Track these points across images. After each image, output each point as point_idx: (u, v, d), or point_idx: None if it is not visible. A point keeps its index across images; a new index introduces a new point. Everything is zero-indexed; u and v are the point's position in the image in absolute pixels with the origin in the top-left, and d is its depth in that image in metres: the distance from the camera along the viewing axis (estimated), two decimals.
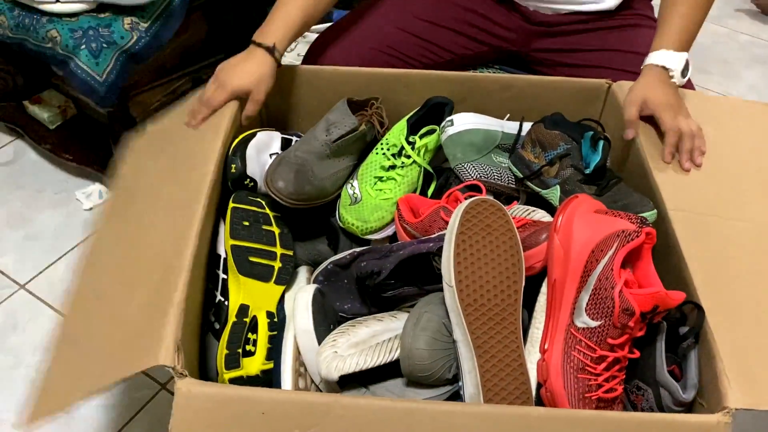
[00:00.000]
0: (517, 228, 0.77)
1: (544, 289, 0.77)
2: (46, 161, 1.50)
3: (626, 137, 0.93)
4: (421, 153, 0.97)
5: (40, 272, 1.27)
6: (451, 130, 0.95)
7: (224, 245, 0.87)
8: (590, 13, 1.13)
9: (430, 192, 0.99)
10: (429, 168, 0.98)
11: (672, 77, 0.96)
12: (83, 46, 1.13)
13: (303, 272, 0.92)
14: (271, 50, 0.96)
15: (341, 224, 0.95)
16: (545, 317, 0.74)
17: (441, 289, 0.75)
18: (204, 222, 0.80)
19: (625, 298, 0.68)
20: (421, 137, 0.98)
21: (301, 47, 1.57)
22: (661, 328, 0.71)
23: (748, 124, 1.00)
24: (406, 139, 0.98)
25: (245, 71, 0.95)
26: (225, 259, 0.87)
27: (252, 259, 0.86)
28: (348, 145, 0.96)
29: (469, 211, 0.73)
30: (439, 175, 1.00)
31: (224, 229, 0.88)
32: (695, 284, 0.73)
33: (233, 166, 0.91)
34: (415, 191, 0.98)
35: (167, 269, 0.75)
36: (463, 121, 0.95)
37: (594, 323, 0.70)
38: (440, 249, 0.79)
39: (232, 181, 0.92)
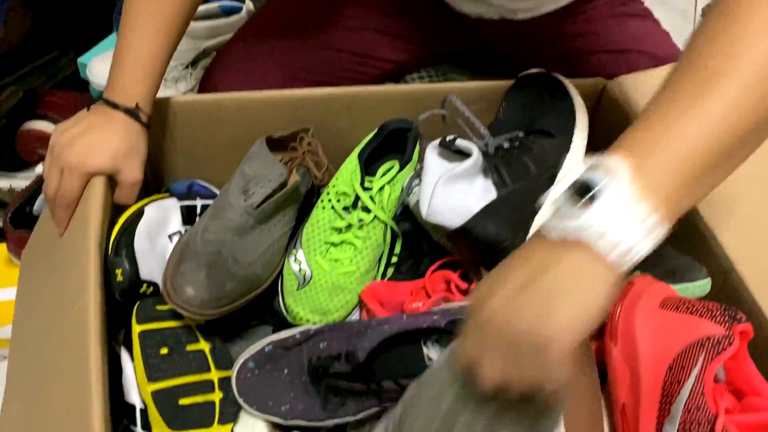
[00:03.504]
0: None
1: None
2: None
3: None
4: (384, 202, 0.73)
5: None
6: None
7: (140, 392, 0.61)
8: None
9: (395, 255, 0.75)
10: (394, 225, 0.74)
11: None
12: None
13: None
14: (133, 112, 0.66)
15: (290, 319, 0.70)
16: None
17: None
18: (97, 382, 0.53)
19: None
20: (381, 176, 0.73)
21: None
22: None
23: None
24: (362, 185, 0.73)
25: (104, 145, 0.64)
26: (143, 410, 0.61)
27: (183, 402, 0.61)
28: (278, 206, 0.69)
29: None
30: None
31: (134, 368, 0.61)
32: None
33: (118, 271, 0.63)
34: (381, 256, 0.74)
35: None
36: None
37: None
38: (450, 324, 0.58)
39: (121, 292, 0.64)
